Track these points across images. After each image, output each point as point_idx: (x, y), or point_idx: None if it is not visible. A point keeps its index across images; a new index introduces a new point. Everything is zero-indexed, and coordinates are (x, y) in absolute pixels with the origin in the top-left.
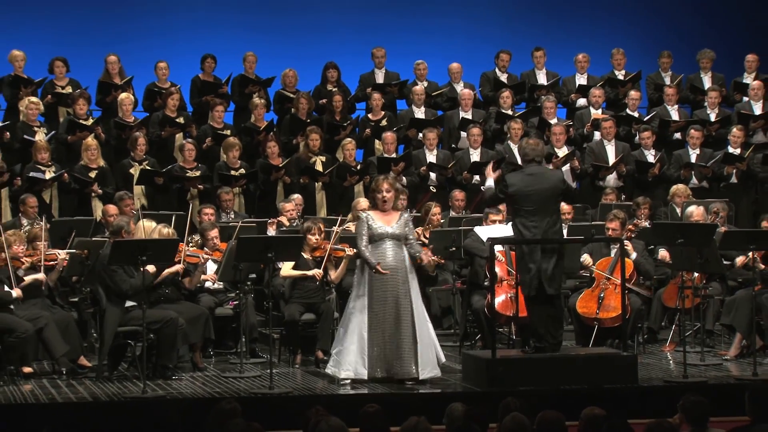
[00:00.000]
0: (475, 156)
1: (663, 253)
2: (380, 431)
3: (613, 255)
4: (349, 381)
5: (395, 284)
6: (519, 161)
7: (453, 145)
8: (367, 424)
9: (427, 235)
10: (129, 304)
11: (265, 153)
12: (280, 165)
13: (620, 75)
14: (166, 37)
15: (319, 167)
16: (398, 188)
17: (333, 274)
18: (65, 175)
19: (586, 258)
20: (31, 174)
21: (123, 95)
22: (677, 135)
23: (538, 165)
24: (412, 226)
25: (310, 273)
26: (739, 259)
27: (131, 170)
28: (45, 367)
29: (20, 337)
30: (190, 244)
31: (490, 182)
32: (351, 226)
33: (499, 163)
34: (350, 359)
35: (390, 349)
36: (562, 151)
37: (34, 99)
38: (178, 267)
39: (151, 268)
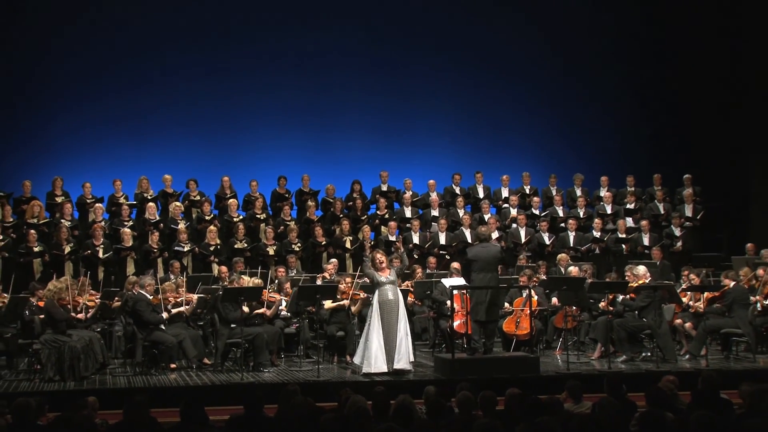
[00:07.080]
0: (443, 237)
1: (554, 300)
2: (384, 403)
3: (524, 296)
4: (372, 373)
5: (395, 310)
6: (469, 240)
7: (428, 230)
8: (376, 399)
9: (413, 285)
10: (233, 325)
11: (314, 234)
12: (323, 242)
13: (527, 189)
14: (256, 165)
15: (348, 244)
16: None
17: (354, 309)
18: (196, 249)
19: (507, 306)
20: (176, 248)
21: (230, 201)
22: (562, 224)
23: (486, 242)
24: (398, 274)
25: (340, 303)
26: (602, 303)
27: (235, 245)
28: (183, 364)
29: (168, 346)
30: (269, 289)
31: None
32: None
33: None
34: (373, 359)
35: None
36: (495, 234)
37: (178, 203)
38: (263, 310)
39: (246, 309)
